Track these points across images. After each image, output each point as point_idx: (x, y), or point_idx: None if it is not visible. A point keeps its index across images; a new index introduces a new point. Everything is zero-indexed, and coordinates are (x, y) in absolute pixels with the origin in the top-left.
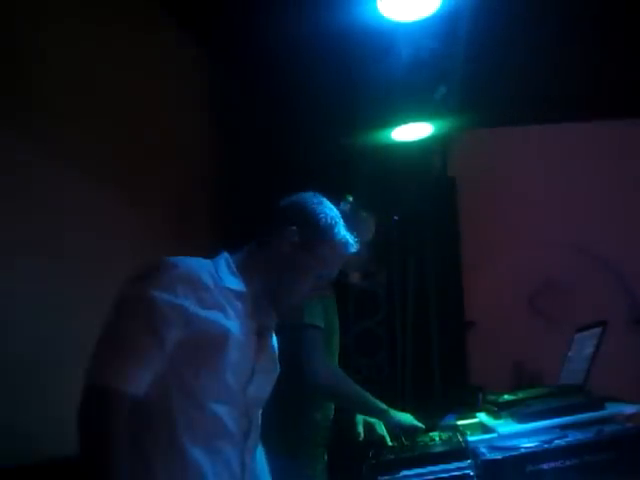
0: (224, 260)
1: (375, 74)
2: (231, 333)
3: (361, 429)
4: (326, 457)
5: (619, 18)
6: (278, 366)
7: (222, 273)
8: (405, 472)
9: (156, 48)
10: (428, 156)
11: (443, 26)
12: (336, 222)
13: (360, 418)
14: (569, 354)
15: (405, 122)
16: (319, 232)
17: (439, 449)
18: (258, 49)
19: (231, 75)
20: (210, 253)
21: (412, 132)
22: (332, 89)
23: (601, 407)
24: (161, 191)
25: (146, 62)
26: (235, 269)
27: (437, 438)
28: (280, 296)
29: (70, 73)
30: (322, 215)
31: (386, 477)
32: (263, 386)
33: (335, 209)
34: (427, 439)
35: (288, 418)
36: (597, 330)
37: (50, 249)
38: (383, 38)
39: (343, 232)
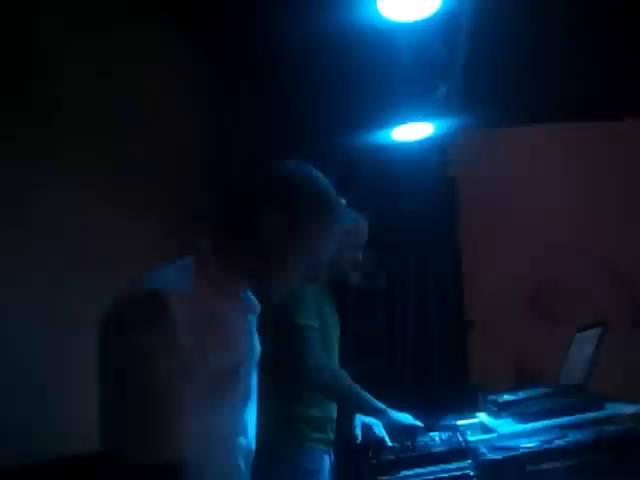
0: (209, 262)
1: (375, 74)
2: (241, 361)
3: (359, 431)
4: (332, 457)
5: (619, 18)
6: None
7: (213, 281)
8: (405, 472)
9: (155, 48)
10: (428, 156)
11: (443, 26)
12: (327, 198)
13: (358, 420)
14: (569, 354)
15: (405, 122)
16: (308, 213)
17: (439, 449)
18: (258, 49)
19: (231, 75)
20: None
21: (412, 132)
22: (332, 89)
23: (601, 407)
24: (161, 193)
25: (145, 63)
26: (220, 270)
27: (437, 438)
28: (268, 288)
29: (69, 74)
30: (310, 191)
31: (386, 477)
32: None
33: (326, 181)
34: (427, 439)
35: (283, 415)
36: (597, 330)
37: (49, 254)
38: (383, 38)
39: (335, 205)
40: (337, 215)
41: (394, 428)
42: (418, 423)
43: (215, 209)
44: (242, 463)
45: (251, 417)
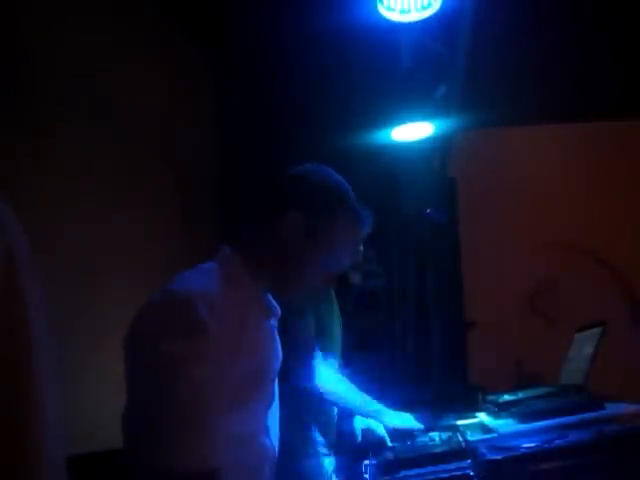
0: (233, 266)
1: (375, 74)
2: (268, 363)
3: (359, 431)
4: (333, 461)
5: (620, 19)
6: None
7: (240, 284)
8: (405, 472)
9: (157, 48)
10: (428, 156)
11: (444, 26)
12: (346, 199)
13: (358, 420)
14: (569, 354)
15: (405, 122)
16: (326, 214)
17: (439, 449)
18: (259, 50)
19: (231, 75)
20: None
21: (412, 132)
22: (332, 89)
23: (601, 407)
24: (164, 190)
25: (147, 62)
26: (245, 274)
27: (437, 438)
28: (287, 292)
29: (71, 73)
30: (329, 193)
31: (386, 477)
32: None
33: (344, 183)
34: (427, 439)
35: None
36: (597, 330)
37: (51, 251)
38: (383, 38)
39: (355, 210)
40: (354, 218)
41: (394, 430)
42: (418, 425)
43: (233, 212)
44: (266, 461)
45: (274, 420)
